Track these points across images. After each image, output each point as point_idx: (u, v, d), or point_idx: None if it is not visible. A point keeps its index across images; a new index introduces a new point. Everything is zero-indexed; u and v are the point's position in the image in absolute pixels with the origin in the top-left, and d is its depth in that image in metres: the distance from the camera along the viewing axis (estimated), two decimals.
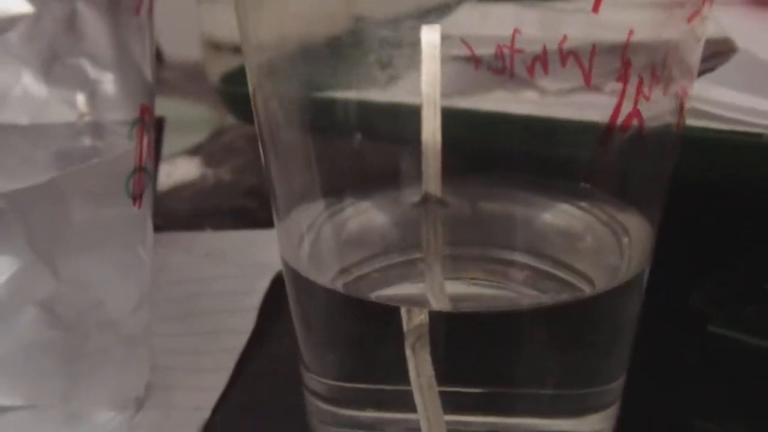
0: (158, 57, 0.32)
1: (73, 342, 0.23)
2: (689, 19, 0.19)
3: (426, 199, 0.22)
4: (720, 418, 0.24)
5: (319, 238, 0.22)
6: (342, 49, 0.22)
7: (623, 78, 0.20)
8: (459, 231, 0.23)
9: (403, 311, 0.20)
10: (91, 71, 0.24)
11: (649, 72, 0.19)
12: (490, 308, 0.21)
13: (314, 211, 0.22)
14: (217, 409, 0.24)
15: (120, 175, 0.21)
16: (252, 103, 0.21)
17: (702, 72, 0.28)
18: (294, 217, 0.22)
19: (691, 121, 0.26)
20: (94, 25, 0.23)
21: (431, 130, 0.22)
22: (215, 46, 0.47)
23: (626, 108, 0.20)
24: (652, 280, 0.30)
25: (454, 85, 0.23)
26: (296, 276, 0.21)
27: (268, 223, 0.23)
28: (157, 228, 0.35)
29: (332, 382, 0.21)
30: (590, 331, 0.20)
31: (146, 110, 0.22)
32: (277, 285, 0.29)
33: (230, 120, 0.42)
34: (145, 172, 0.22)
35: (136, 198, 0.22)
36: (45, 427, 0.23)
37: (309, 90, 0.22)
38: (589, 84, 0.21)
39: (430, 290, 0.22)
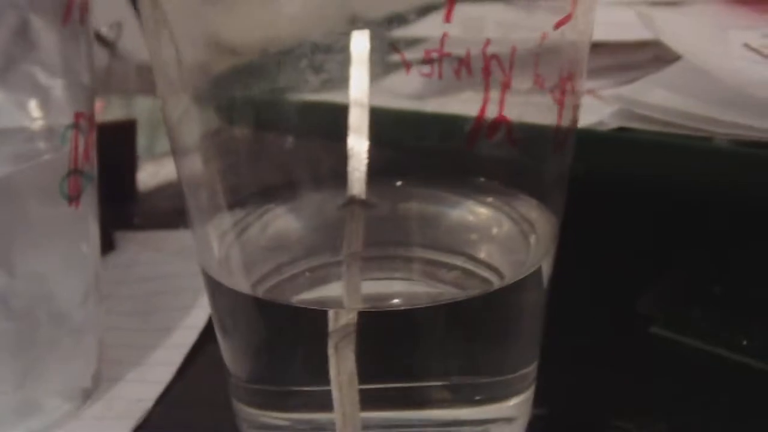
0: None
1: (24, 332, 0.24)
2: (557, 26, 0.19)
3: (351, 201, 0.23)
4: (649, 417, 0.25)
5: (236, 243, 0.23)
6: (273, 55, 0.23)
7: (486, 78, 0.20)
8: (378, 232, 0.23)
9: (331, 312, 0.20)
10: (42, 78, 0.25)
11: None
12: (405, 306, 0.22)
13: (231, 216, 0.23)
14: (159, 402, 0.25)
15: (54, 177, 0.22)
16: (162, 108, 0.22)
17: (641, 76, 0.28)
18: (211, 223, 0.22)
19: (633, 124, 0.26)
20: (44, 34, 0.24)
21: (359, 133, 0.23)
22: (217, 48, 0.48)
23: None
24: (600, 284, 0.31)
25: (418, 89, 0.24)
26: (213, 283, 0.22)
27: None
28: (136, 226, 0.37)
29: (254, 386, 0.22)
30: (501, 321, 0.21)
31: (80, 116, 0.23)
32: None
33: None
34: (80, 174, 0.23)
35: (72, 199, 0.23)
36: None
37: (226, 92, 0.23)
38: (508, 86, 0.22)
39: (346, 290, 0.22)
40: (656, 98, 0.26)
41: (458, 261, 0.23)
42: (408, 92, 0.25)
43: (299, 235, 0.24)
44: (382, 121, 0.24)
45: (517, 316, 0.21)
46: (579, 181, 0.28)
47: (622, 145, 0.26)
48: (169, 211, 0.37)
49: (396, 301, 0.23)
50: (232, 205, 0.22)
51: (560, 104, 0.20)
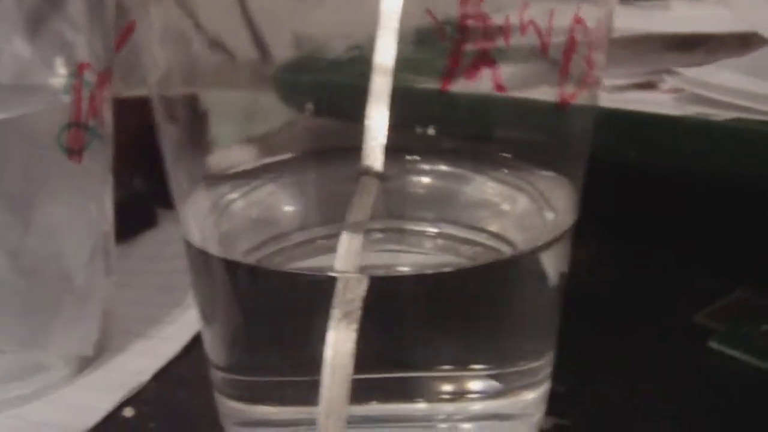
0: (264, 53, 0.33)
1: (33, 291, 0.23)
2: None
3: (364, 172, 0.21)
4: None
5: (230, 213, 0.22)
6: None
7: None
8: (393, 206, 0.21)
9: (339, 283, 0.19)
10: (69, 34, 0.24)
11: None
12: (410, 272, 0.20)
13: (224, 187, 0.21)
14: (157, 377, 0.24)
15: (50, 128, 0.22)
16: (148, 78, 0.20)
17: None
18: (201, 194, 0.21)
19: (699, 110, 0.23)
20: None
21: (380, 102, 0.21)
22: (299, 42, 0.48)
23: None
24: (663, 291, 0.28)
25: None
26: (197, 254, 0.20)
27: None
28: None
29: (237, 377, 0.20)
30: (509, 297, 0.19)
31: (84, 67, 0.22)
32: None
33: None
34: (83, 128, 0.22)
35: (73, 153, 0.22)
36: (4, 373, 0.24)
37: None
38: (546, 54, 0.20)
39: (342, 256, 0.20)
40: (727, 80, 0.23)
41: (474, 236, 0.21)
42: None
43: (304, 206, 0.22)
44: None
45: (528, 294, 0.19)
46: (645, 174, 0.25)
47: (686, 131, 0.23)
48: None
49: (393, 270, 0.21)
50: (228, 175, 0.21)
51: (565, 65, 0.17)
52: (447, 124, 0.21)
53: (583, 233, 0.21)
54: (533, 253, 0.19)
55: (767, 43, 0.25)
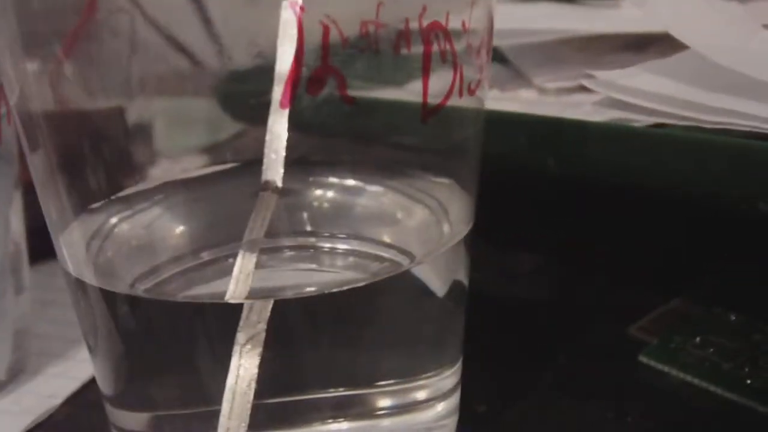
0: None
1: None
2: None
3: (264, 187, 0.20)
4: None
5: (113, 239, 0.20)
6: None
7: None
8: (284, 221, 0.21)
9: (245, 306, 0.18)
10: None
11: None
12: (307, 293, 0.19)
13: (109, 210, 0.20)
14: (70, 400, 0.23)
15: None
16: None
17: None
18: (79, 221, 0.20)
19: (617, 115, 0.23)
20: None
21: (280, 114, 0.20)
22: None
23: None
24: (596, 302, 0.27)
25: None
26: (83, 291, 0.19)
27: None
28: None
29: (137, 414, 0.19)
30: (415, 306, 0.18)
31: None
32: None
33: None
34: None
35: None
36: None
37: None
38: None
39: (235, 280, 0.20)
40: (646, 84, 0.22)
41: (380, 251, 0.20)
42: None
43: (191, 228, 0.21)
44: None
45: (427, 305, 0.18)
46: (564, 182, 0.24)
47: (599, 137, 0.22)
48: None
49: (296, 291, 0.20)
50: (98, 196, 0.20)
51: (426, 63, 0.17)
52: (344, 133, 0.21)
53: (510, 245, 0.20)
54: (428, 265, 0.18)
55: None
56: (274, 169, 0.20)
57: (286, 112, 0.20)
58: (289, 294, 0.19)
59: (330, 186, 0.21)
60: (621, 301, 0.26)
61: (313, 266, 0.20)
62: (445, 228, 0.19)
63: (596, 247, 0.28)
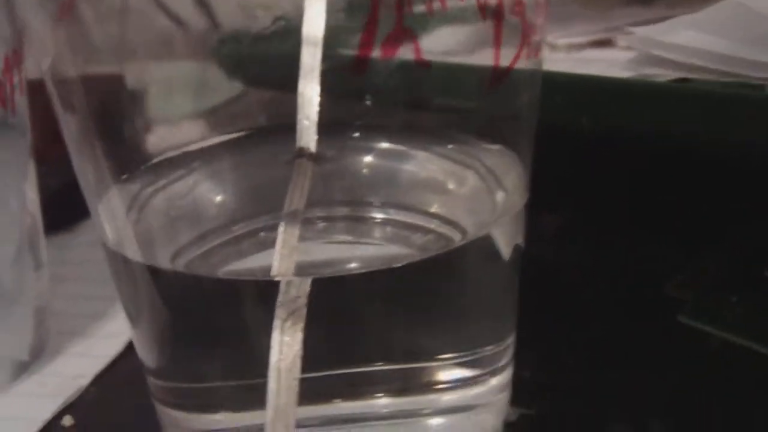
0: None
1: None
2: None
3: (299, 154, 0.20)
4: (667, 411, 0.20)
5: (149, 209, 0.20)
6: None
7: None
8: (328, 189, 0.20)
9: (282, 283, 0.17)
10: None
11: None
12: (356, 271, 0.18)
13: (141, 181, 0.19)
14: (98, 379, 0.23)
15: None
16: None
17: None
18: (117, 190, 0.19)
19: (651, 71, 0.22)
20: None
21: (311, 77, 0.19)
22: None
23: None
24: (630, 265, 0.27)
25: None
26: (124, 262, 0.18)
27: None
28: None
29: (174, 384, 0.19)
30: (461, 286, 0.18)
31: None
32: None
33: None
34: None
35: None
36: None
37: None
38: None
39: (279, 256, 0.19)
40: (681, 39, 0.22)
41: (423, 221, 0.20)
42: None
43: (235, 196, 0.21)
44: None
45: (483, 278, 0.18)
46: (597, 140, 0.23)
47: (631, 93, 0.21)
48: None
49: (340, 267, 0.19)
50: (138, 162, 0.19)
51: (497, 30, 0.16)
52: (382, 96, 0.20)
53: (542, 208, 0.20)
54: (485, 239, 0.18)
55: None
56: (308, 135, 0.19)
57: (317, 74, 0.19)
58: (334, 271, 0.19)
59: (372, 152, 0.20)
60: (655, 260, 0.26)
61: (358, 238, 0.20)
62: (499, 197, 0.19)
63: (626, 206, 0.28)
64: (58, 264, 0.26)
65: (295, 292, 0.17)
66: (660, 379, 0.21)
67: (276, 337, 0.17)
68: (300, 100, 0.19)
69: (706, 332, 0.22)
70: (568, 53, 0.31)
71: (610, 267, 0.26)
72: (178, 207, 0.20)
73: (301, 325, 0.17)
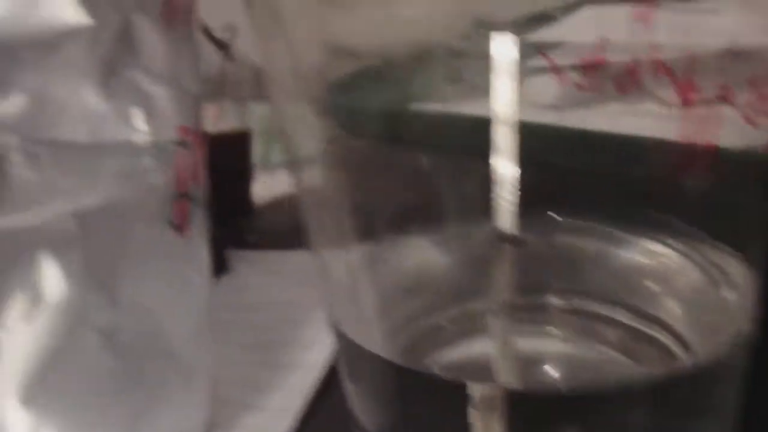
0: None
1: (132, 372, 0.21)
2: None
3: (498, 237, 0.19)
4: None
5: (363, 279, 0.19)
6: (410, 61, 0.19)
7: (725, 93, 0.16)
8: (532, 275, 0.19)
9: (472, 387, 0.16)
10: (146, 84, 0.22)
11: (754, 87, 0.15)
12: (570, 389, 0.17)
13: (357, 245, 0.19)
14: None
15: (158, 203, 0.19)
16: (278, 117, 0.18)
17: None
18: (334, 251, 0.19)
19: None
20: (148, 37, 0.21)
21: (505, 155, 0.19)
22: (333, 51, 0.46)
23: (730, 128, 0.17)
24: None
25: (556, 99, 0.20)
26: (341, 334, 0.18)
27: None
28: (250, 245, 0.34)
29: None
30: (693, 412, 0.16)
31: (186, 131, 0.20)
32: None
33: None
34: (188, 198, 0.20)
35: (180, 227, 0.20)
36: None
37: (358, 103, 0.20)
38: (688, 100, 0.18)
39: (499, 355, 0.18)
40: None
41: (623, 317, 0.19)
42: (542, 101, 0.20)
43: (436, 274, 0.20)
44: (533, 140, 0.20)
45: (717, 404, 0.16)
46: None
47: None
48: (286, 229, 0.34)
49: (552, 372, 0.18)
50: (357, 232, 0.19)
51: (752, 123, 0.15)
52: (587, 168, 0.19)
53: None
54: (728, 357, 0.16)
55: None
56: (507, 217, 0.19)
57: (513, 154, 0.18)
58: (546, 387, 0.18)
59: (581, 235, 0.19)
60: None
61: (571, 335, 0.19)
62: (730, 298, 0.18)
63: None
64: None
65: (488, 393, 0.16)
66: None
67: None
68: (497, 179, 0.18)
69: None
70: (687, 109, 0.31)
71: None
72: (384, 286, 0.19)
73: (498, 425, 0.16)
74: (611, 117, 0.22)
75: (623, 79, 0.19)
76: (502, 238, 0.18)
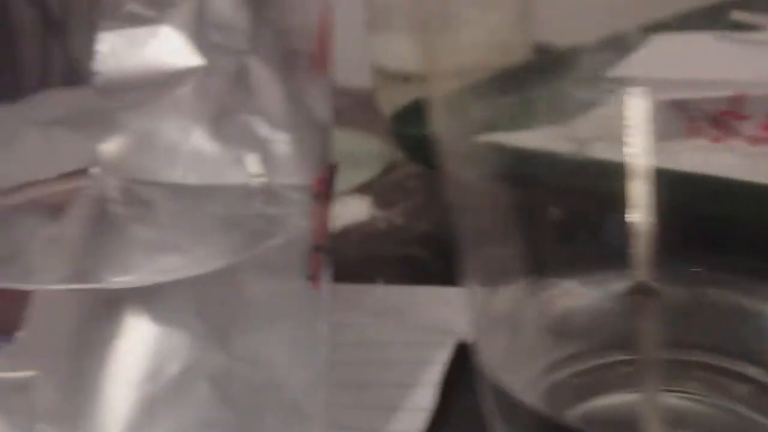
0: None
1: (245, 423, 0.21)
2: None
3: (636, 289, 0.19)
4: None
5: (509, 322, 0.19)
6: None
7: None
8: (674, 329, 0.19)
9: None
10: (264, 130, 0.22)
11: None
12: None
13: (507, 293, 0.19)
14: None
15: (297, 255, 0.19)
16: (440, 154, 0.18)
17: None
18: (487, 297, 0.19)
19: None
20: (265, 81, 0.21)
21: (640, 206, 0.19)
22: (386, 76, 0.45)
23: None
24: None
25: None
26: (487, 377, 0.18)
27: (442, 276, 0.20)
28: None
29: None
30: None
31: (323, 183, 0.20)
32: (460, 354, 0.26)
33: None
34: (321, 251, 0.20)
35: (314, 279, 0.20)
36: None
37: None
38: None
39: (645, 409, 0.18)
40: None
41: (753, 371, 0.19)
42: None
43: (577, 322, 0.20)
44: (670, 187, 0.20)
45: None
46: None
47: None
48: (358, 260, 0.34)
49: None
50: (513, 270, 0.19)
51: None
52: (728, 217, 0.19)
53: None
54: None
55: None
56: (644, 269, 0.19)
57: (650, 209, 0.18)
58: None
59: (726, 289, 0.19)
60: None
61: (718, 399, 0.19)
62: None
63: None
64: None
65: None
66: None
67: None
68: (634, 231, 0.18)
69: None
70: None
71: None
72: (541, 322, 0.19)
73: None
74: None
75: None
76: (640, 289, 0.18)
